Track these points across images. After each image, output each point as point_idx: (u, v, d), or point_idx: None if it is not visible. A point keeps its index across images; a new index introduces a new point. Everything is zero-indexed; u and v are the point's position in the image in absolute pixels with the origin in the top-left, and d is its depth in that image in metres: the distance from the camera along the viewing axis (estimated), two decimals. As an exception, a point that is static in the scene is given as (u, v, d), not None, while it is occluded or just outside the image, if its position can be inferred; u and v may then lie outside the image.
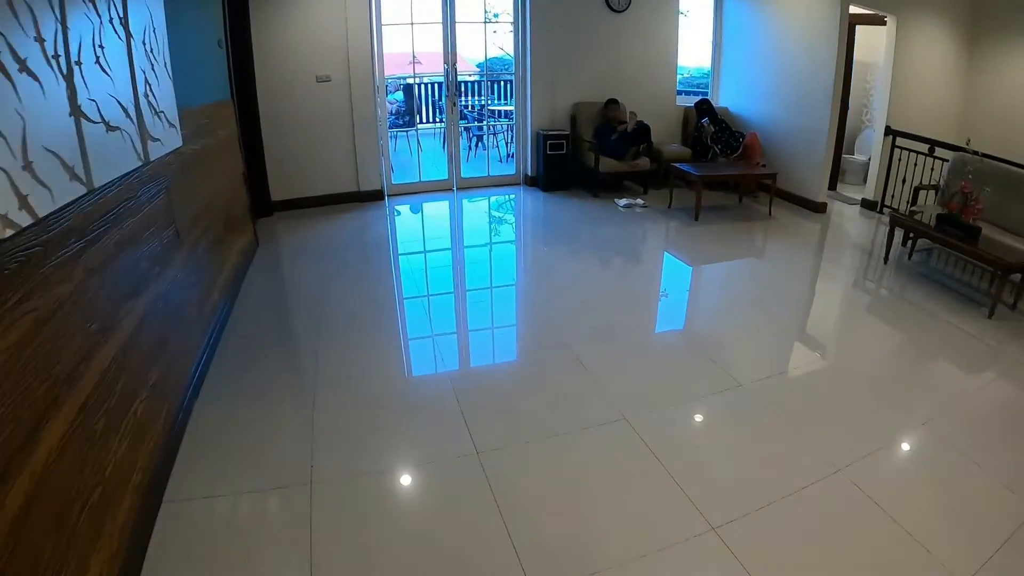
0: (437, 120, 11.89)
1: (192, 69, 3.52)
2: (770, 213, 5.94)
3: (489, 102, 11.73)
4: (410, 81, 9.56)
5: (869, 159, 7.40)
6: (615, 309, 3.89)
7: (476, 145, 8.69)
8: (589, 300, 3.99)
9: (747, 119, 6.95)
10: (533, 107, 6.47)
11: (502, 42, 12.75)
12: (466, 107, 9.92)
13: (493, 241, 5.46)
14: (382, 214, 6.00)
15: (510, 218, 6.09)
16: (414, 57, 6.28)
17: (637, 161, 6.31)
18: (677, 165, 5.93)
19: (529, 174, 6.78)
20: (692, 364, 3.16)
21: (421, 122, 11.60)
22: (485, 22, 6.69)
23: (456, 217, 6.13)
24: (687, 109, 7.16)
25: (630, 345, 3.42)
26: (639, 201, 6.13)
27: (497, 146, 8.71)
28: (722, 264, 4.89)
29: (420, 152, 8.74)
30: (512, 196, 6.64)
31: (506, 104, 11.05)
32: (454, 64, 6.14)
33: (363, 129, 6.00)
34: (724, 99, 7.23)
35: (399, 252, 5.01)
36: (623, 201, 6.11)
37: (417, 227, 5.81)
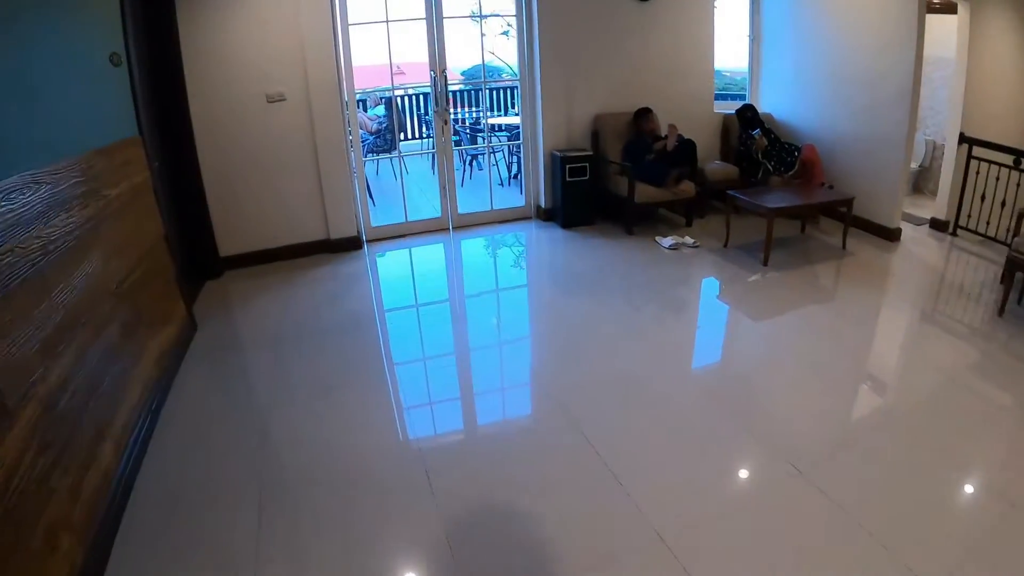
0: (425, 136, 10.62)
1: (55, 101, 2.22)
2: (844, 246, 4.66)
3: (483, 114, 10.51)
4: (393, 94, 8.27)
5: (920, 166, 6.58)
6: (669, 402, 2.58)
7: (471, 164, 7.34)
8: (643, 398, 2.68)
9: (796, 128, 5.69)
10: (545, 121, 5.16)
11: (493, 46, 11.45)
12: (456, 122, 8.61)
13: (505, 309, 4.15)
14: (360, 270, 4.66)
15: (523, 270, 4.75)
16: (392, 64, 4.92)
17: (680, 187, 4.99)
18: (738, 195, 4.65)
19: (543, 205, 5.45)
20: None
21: (405, 138, 10.33)
22: (474, 17, 5.37)
23: (454, 269, 4.80)
24: (726, 117, 5.87)
25: (686, 466, 2.21)
26: (688, 240, 4.82)
27: (496, 165, 7.37)
28: (810, 324, 3.60)
29: (405, 178, 7.36)
30: (523, 235, 5.31)
31: (502, 115, 9.77)
32: (443, 71, 4.80)
33: (330, 159, 4.68)
34: (765, 104, 5.96)
35: (386, 339, 3.65)
36: (667, 240, 4.80)
37: (404, 289, 4.45)
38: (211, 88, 4.31)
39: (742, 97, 6.43)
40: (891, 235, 4.87)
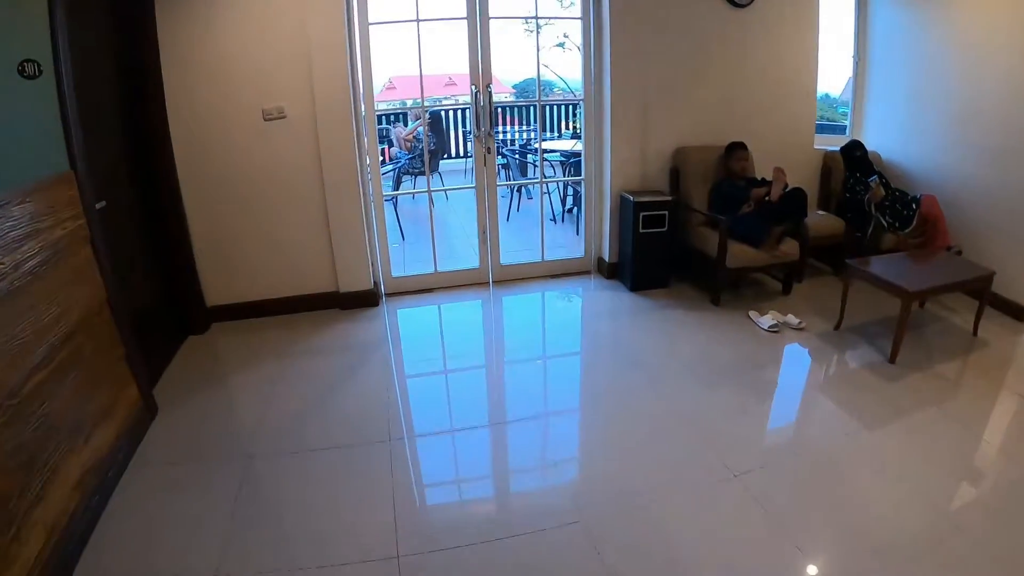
0: (464, 154, 9.69)
1: None
2: (975, 332, 3.48)
3: (534, 135, 9.52)
4: (423, 108, 7.42)
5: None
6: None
7: (518, 191, 6.33)
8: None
9: (909, 173, 4.52)
10: (614, 155, 4.11)
11: (547, 58, 10.45)
12: (503, 143, 7.64)
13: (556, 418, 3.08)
14: (374, 336, 3.69)
15: (576, 350, 3.70)
16: (421, 74, 3.96)
17: (783, 248, 3.88)
18: (864, 268, 3.52)
19: (607, 259, 4.39)
20: None
21: (446, 156, 9.43)
22: (529, 18, 4.38)
23: (493, 340, 3.77)
24: (827, 155, 4.73)
25: None
26: (791, 319, 3.69)
27: (547, 194, 6.34)
28: (931, 444, 2.40)
29: (442, 209, 6.44)
30: (580, 298, 4.26)
31: (555, 137, 8.76)
32: (487, 85, 3.81)
33: (339, 192, 3.75)
34: (869, 140, 4.76)
35: (412, 457, 2.63)
36: (766, 320, 3.68)
37: (433, 375, 3.43)
38: (196, 103, 3.43)
39: (838, 129, 5.25)
40: (1032, 317, 3.64)
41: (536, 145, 7.60)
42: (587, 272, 4.51)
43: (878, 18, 4.68)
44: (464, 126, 9.82)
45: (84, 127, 2.53)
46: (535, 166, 6.92)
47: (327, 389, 3.06)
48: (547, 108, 10.43)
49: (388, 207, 5.87)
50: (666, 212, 4.05)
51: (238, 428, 2.77)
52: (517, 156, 6.75)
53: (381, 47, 3.74)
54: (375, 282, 4.07)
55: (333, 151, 3.62)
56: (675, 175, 4.28)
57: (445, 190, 7.04)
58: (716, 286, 3.98)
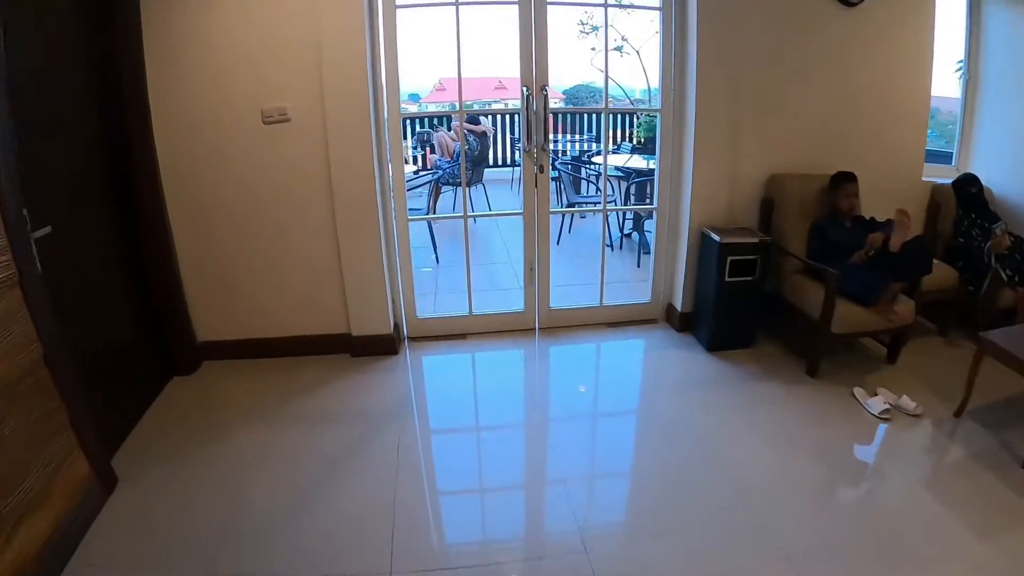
0: (511, 163, 9.00)
1: None
2: None
3: (586, 145, 8.76)
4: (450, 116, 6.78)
5: None
6: None
7: (569, 215, 5.59)
8: None
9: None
10: (696, 180, 3.33)
11: (601, 61, 9.65)
12: (554, 154, 6.91)
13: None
14: (393, 398, 3.00)
15: (632, 435, 2.92)
16: (453, 73, 3.26)
17: (897, 309, 3.03)
18: (1007, 346, 2.65)
19: (679, 308, 3.60)
20: None
21: (492, 164, 8.77)
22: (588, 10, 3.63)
23: (536, 427, 3.02)
24: (935, 188, 3.85)
25: None
26: (907, 403, 2.85)
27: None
28: None
29: (470, 242, 5.78)
30: (643, 354, 3.50)
31: (614, 149, 7.99)
32: (543, 88, 3.07)
33: (354, 214, 3.07)
34: (979, 168, 3.86)
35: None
36: (876, 403, 2.85)
37: (467, 460, 2.70)
38: (184, 102, 2.81)
39: (940, 157, 4.32)
40: None
41: (593, 158, 6.90)
42: (653, 321, 3.73)
43: (994, 24, 3.78)
44: (512, 132, 9.14)
45: (30, 132, 1.93)
46: (589, 182, 6.18)
47: (319, 479, 2.37)
48: (601, 117, 9.67)
49: (420, 226, 5.19)
50: (758, 257, 3.24)
51: (205, 525, 2.11)
52: (570, 169, 6.00)
53: (430, 44, 3.05)
54: (395, 324, 3.38)
55: (346, 163, 2.94)
56: (766, 208, 3.47)
57: (488, 215, 6.36)
58: (815, 353, 3.16)
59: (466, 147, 6.37)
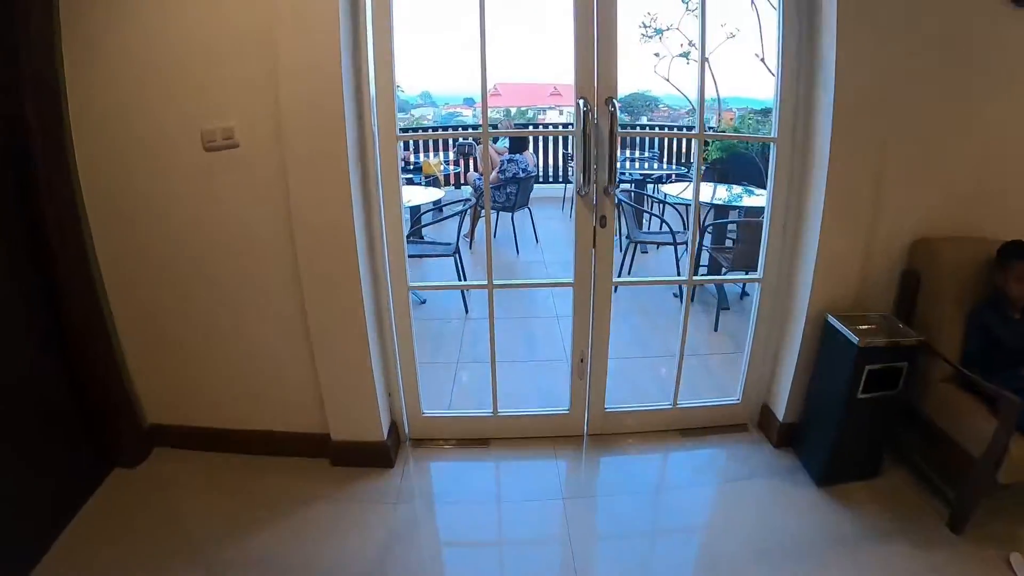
0: (563, 179, 8.05)
1: None
2: None
3: (651, 166, 7.73)
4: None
5: None
6: None
7: (631, 252, 4.59)
8: None
9: None
10: (823, 241, 2.30)
11: (668, 68, 8.51)
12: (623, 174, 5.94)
13: None
14: (381, 545, 2.10)
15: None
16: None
17: None
18: None
19: (779, 415, 2.58)
20: None
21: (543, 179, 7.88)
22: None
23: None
24: None
25: None
26: None
27: (673, 250, 4.58)
28: None
29: (494, 330, 4.92)
30: (724, 484, 2.50)
31: (681, 170, 6.96)
32: (609, 99, 2.08)
33: (325, 284, 2.18)
34: None
35: None
36: None
37: None
38: (107, 125, 1.97)
39: None
40: None
41: (661, 185, 5.86)
42: (742, 428, 2.72)
43: None
44: (566, 147, 8.20)
45: None
46: (653, 215, 5.19)
47: None
48: (657, 131, 8.61)
49: (443, 264, 4.31)
50: (905, 365, 2.22)
51: None
52: (631, 198, 5.03)
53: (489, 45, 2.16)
54: (392, 425, 2.50)
55: (313, 209, 2.06)
56: (909, 285, 2.43)
57: (529, 284, 5.11)
58: (966, 504, 2.12)
59: (501, 174, 5.47)
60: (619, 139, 2.04)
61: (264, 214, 2.09)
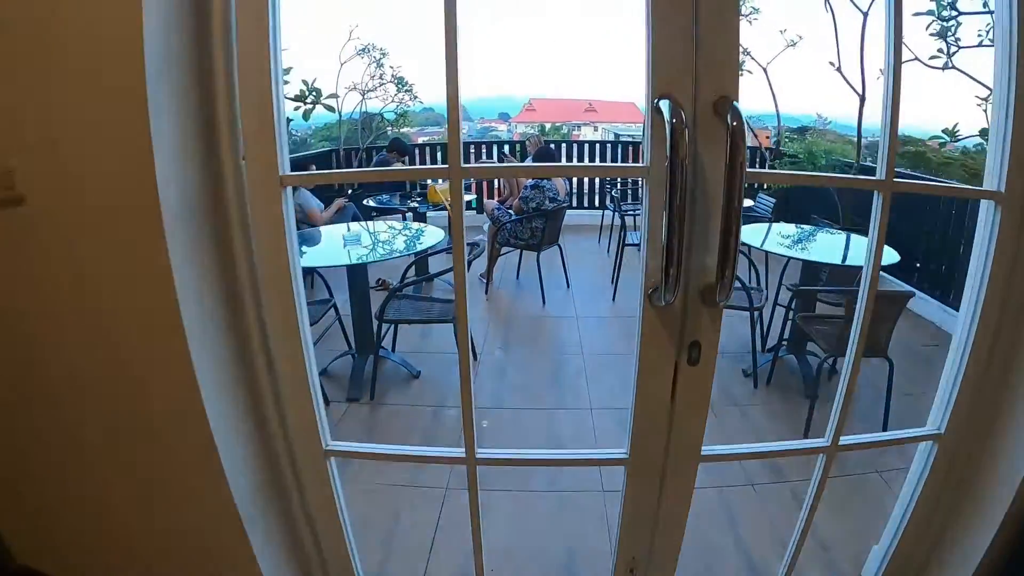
0: (599, 205, 6.94)
1: None
2: None
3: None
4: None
5: None
6: None
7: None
8: None
9: None
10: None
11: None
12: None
13: None
14: None
15: None
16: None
17: None
18: None
19: None
20: None
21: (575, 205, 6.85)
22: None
23: None
24: None
25: None
26: None
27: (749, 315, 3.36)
28: None
29: (480, 537, 3.80)
30: None
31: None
32: (723, 101, 0.96)
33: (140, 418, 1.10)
34: None
35: None
36: None
37: None
38: None
39: None
40: None
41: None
42: None
43: None
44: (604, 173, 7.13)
45: None
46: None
47: None
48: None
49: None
50: None
51: None
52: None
53: (520, 55, 1.06)
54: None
55: (111, 299, 1.01)
56: None
57: (552, 462, 3.89)
58: None
59: (524, 204, 4.41)
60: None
61: (60, 298, 1.04)
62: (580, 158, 7.66)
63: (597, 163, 7.63)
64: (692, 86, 0.96)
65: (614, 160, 7.58)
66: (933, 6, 4.62)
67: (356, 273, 3.18)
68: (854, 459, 2.37)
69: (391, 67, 7.21)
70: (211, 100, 1.01)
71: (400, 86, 7.26)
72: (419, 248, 3.43)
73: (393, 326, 3.21)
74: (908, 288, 3.90)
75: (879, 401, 2.67)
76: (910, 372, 2.96)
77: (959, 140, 5.62)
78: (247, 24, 0.98)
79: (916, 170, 5.79)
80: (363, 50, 6.99)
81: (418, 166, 6.75)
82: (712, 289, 1.02)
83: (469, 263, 3.09)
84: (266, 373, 1.19)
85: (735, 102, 0.95)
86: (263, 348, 1.17)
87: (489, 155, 7.70)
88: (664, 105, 0.92)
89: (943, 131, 5.51)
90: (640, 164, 1.06)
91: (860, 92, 5.43)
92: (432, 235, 3.50)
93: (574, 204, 6.93)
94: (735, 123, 0.91)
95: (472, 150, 7.59)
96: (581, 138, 11.65)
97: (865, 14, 5.03)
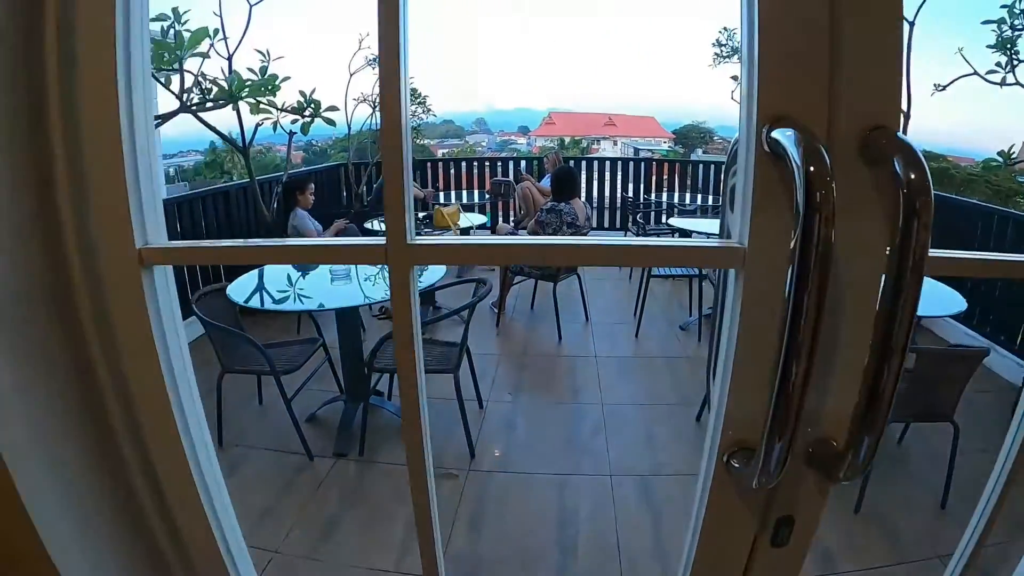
0: (624, 226, 6.52)
1: None
2: None
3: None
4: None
5: None
6: None
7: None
8: None
9: None
10: None
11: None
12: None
13: None
14: None
15: None
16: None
17: None
18: None
19: None
20: None
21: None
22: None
23: None
24: None
25: None
26: None
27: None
28: None
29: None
30: None
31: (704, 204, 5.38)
32: (916, 179, 0.60)
33: None
34: None
35: None
36: None
37: None
38: None
39: None
40: None
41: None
42: None
43: None
44: (624, 189, 6.72)
45: None
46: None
47: None
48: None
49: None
50: None
51: None
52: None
53: (542, 67, 0.64)
54: None
55: None
56: None
57: None
58: None
59: (540, 227, 4.03)
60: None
61: None
62: (600, 175, 7.27)
63: (674, 241, 7.21)
64: (826, 109, 0.57)
65: (636, 177, 7.15)
66: (1005, 14, 4.18)
67: (345, 310, 2.81)
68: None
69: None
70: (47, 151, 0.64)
71: (413, 98, 6.93)
72: (420, 284, 3.04)
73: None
74: (982, 343, 3.46)
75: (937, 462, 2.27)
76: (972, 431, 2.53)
77: (1016, 163, 5.16)
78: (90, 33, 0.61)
79: (937, 188, 5.32)
80: (374, 60, 6.67)
81: (351, 239, 6.27)
82: (833, 456, 0.63)
83: (474, 305, 2.69)
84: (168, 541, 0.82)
85: (899, 134, 0.56)
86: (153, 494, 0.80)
87: (506, 170, 7.36)
88: (786, 137, 0.53)
89: (999, 153, 5.07)
90: (718, 241, 0.67)
91: (905, 109, 4.99)
92: (435, 266, 3.13)
93: (595, 225, 6.54)
94: (912, 174, 0.51)
95: (487, 165, 7.25)
96: (600, 152, 11.29)
97: (911, 23, 4.54)
